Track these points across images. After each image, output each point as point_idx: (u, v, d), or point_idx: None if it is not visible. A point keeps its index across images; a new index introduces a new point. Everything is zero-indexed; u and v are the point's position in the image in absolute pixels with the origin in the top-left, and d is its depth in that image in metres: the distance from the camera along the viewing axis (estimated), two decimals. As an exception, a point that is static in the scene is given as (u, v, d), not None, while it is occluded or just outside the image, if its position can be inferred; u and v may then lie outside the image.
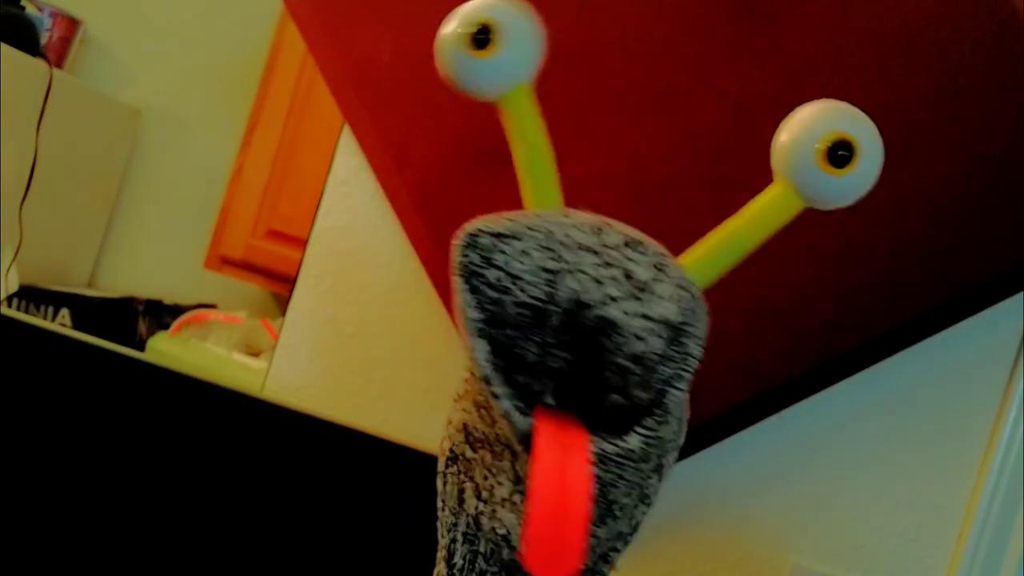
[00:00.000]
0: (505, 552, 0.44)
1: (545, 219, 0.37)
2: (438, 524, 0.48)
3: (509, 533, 0.43)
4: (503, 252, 0.36)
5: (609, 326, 0.36)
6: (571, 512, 0.33)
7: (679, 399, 0.38)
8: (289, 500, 0.82)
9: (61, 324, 1.59)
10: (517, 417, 0.37)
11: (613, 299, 0.36)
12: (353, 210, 0.96)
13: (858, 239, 0.82)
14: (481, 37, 0.39)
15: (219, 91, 1.89)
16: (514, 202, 0.89)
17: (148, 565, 0.82)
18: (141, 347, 1.56)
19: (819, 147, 0.37)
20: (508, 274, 0.36)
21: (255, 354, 1.55)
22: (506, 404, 0.37)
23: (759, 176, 0.83)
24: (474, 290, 0.37)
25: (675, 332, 0.36)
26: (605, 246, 0.37)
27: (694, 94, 0.85)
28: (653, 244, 0.38)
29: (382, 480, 0.82)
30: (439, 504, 0.48)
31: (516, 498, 0.42)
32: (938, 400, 0.86)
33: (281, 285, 1.59)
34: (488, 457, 0.43)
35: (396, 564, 0.81)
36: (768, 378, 0.83)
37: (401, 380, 0.95)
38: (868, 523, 0.87)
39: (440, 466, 0.47)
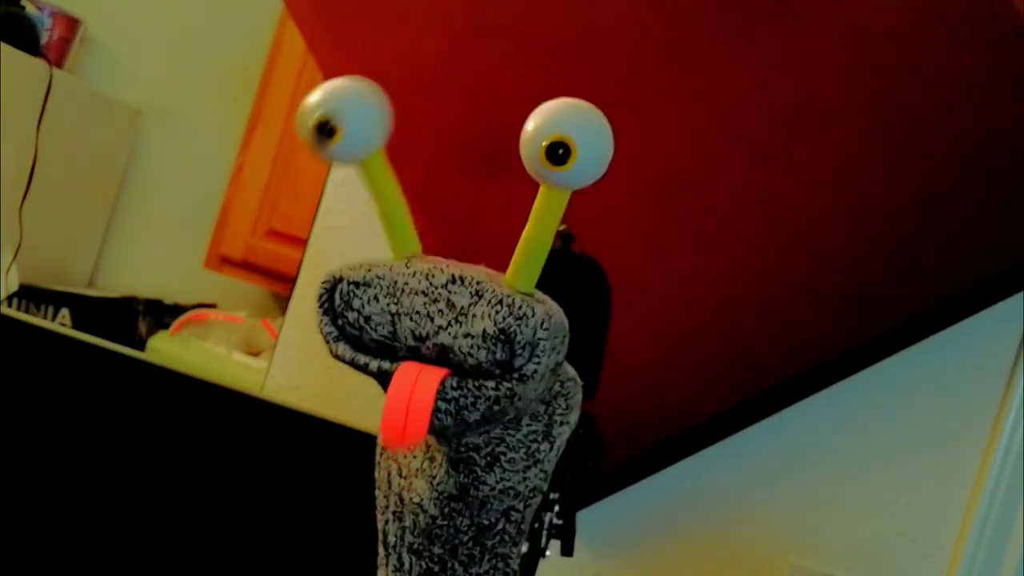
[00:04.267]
0: (422, 519, 0.50)
1: (391, 269, 0.47)
2: (376, 511, 0.54)
3: (422, 500, 0.49)
4: (358, 298, 0.46)
5: (444, 350, 0.44)
6: (418, 403, 0.43)
7: (539, 370, 0.44)
8: (289, 499, 0.82)
9: (61, 324, 1.60)
10: (385, 364, 0.46)
11: (440, 327, 0.44)
12: (353, 210, 0.96)
13: (858, 239, 0.82)
14: (327, 128, 0.46)
15: (219, 91, 1.89)
16: (513, 202, 0.89)
17: (148, 564, 0.82)
18: (141, 347, 1.56)
19: (542, 146, 0.44)
20: (362, 315, 0.46)
21: (255, 354, 1.55)
22: (373, 365, 0.46)
23: (758, 173, 0.84)
24: (337, 327, 0.47)
25: (502, 340, 0.44)
26: (432, 286, 0.45)
27: (692, 92, 0.85)
28: (474, 277, 0.46)
29: (382, 480, 0.82)
30: (376, 492, 0.54)
31: (425, 465, 0.49)
32: (938, 400, 0.86)
33: (281, 285, 1.59)
34: None
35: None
36: (768, 378, 0.83)
37: (401, 380, 0.95)
38: (868, 523, 0.87)
39: (376, 455, 0.54)
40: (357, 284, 0.47)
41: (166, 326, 1.65)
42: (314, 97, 0.47)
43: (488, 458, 0.49)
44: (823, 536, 0.88)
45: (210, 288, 1.77)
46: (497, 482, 0.49)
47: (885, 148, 0.81)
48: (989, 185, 0.80)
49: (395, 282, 0.46)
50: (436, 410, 0.43)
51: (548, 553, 0.60)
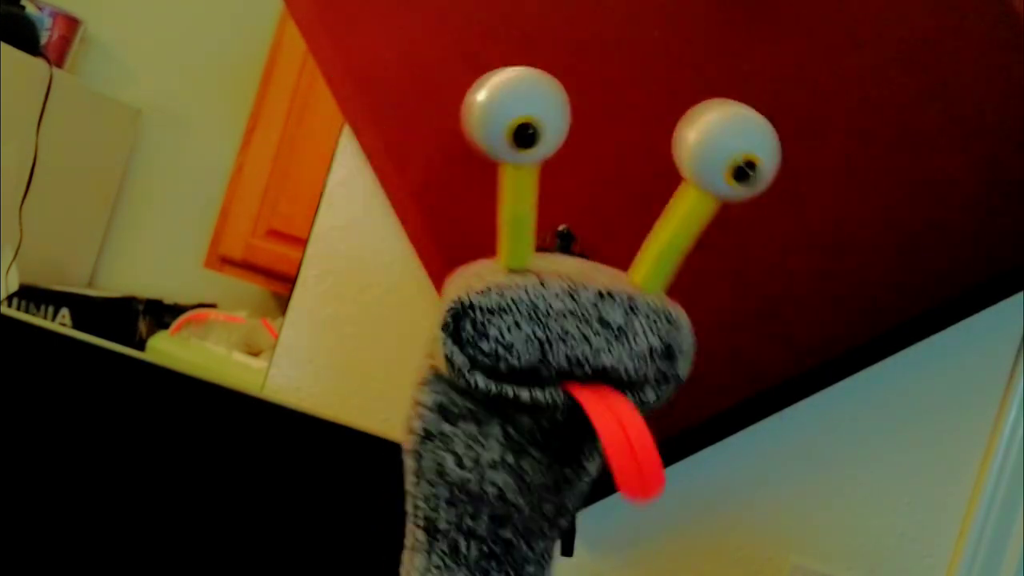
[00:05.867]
0: (499, 508, 0.49)
1: (527, 291, 0.43)
2: (408, 498, 0.52)
3: (504, 492, 0.48)
4: (495, 326, 0.43)
5: (606, 372, 0.42)
6: (641, 443, 0.40)
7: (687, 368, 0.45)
8: (289, 500, 0.82)
9: (61, 324, 1.60)
10: (557, 396, 0.43)
11: (601, 350, 0.42)
12: (353, 210, 0.96)
13: (858, 239, 0.82)
14: (529, 133, 0.41)
15: (219, 91, 1.89)
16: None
17: (148, 565, 0.82)
18: (141, 347, 1.56)
19: (729, 164, 0.42)
20: (502, 345, 0.43)
21: (255, 354, 1.55)
22: (539, 395, 0.43)
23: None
24: (469, 356, 0.43)
25: (663, 354, 0.43)
26: (579, 305, 0.43)
27: (693, 93, 0.85)
28: (622, 289, 0.43)
29: (382, 480, 0.82)
30: (411, 480, 0.52)
31: (509, 458, 0.48)
32: (938, 400, 0.86)
33: (281, 285, 1.59)
34: (473, 428, 0.48)
35: (395, 562, 0.81)
36: (768, 378, 0.83)
37: (401, 380, 0.95)
38: (868, 523, 0.87)
39: (411, 445, 0.52)
40: (492, 311, 0.43)
41: (166, 326, 1.65)
42: (505, 95, 0.41)
43: (590, 448, 0.48)
44: (823, 536, 0.88)
45: (210, 288, 1.77)
46: (595, 469, 0.48)
47: (885, 148, 0.81)
48: (989, 185, 0.80)
49: (536, 305, 0.43)
50: None
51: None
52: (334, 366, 0.96)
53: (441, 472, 0.50)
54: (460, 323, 0.43)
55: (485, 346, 0.43)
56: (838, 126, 0.82)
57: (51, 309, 1.64)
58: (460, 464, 0.49)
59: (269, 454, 0.83)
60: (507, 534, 0.49)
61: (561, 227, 0.54)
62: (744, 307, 0.83)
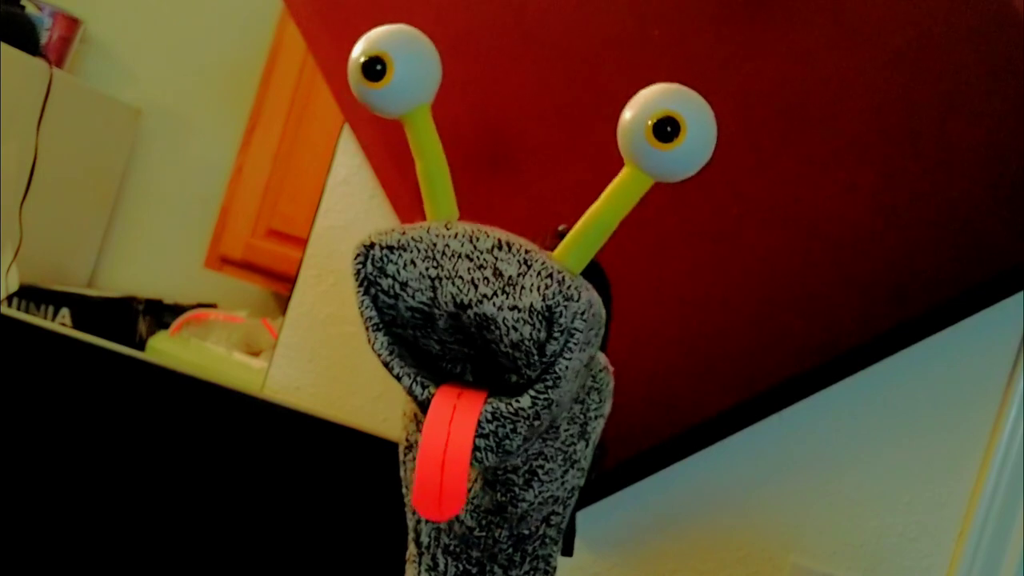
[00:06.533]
0: (457, 527, 0.48)
1: (429, 231, 0.43)
2: (406, 508, 0.52)
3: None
4: (393, 263, 0.42)
5: (487, 320, 0.41)
6: (452, 460, 0.39)
7: (570, 367, 0.42)
8: (289, 500, 0.82)
9: (61, 324, 1.60)
10: (417, 390, 0.43)
11: (486, 296, 0.41)
12: (353, 210, 0.96)
13: (858, 239, 0.82)
14: (377, 69, 0.44)
15: (219, 91, 1.89)
16: (514, 202, 0.89)
17: (148, 565, 0.82)
18: (141, 347, 1.56)
19: (648, 123, 0.42)
20: (398, 282, 0.42)
21: (255, 353, 1.55)
22: (406, 381, 0.43)
23: (757, 174, 0.84)
24: (371, 296, 0.43)
25: (546, 317, 0.41)
26: (477, 250, 0.42)
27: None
28: (522, 244, 0.43)
29: (382, 479, 0.82)
30: (403, 491, 0.52)
31: None
32: (938, 400, 0.86)
33: (281, 284, 1.59)
34: None
35: (395, 562, 0.81)
36: (768, 377, 0.83)
37: (401, 380, 0.95)
38: (868, 523, 0.87)
39: (400, 455, 0.51)
40: (391, 248, 0.42)
41: (166, 326, 1.65)
42: (362, 41, 0.45)
43: (526, 475, 0.46)
44: (823, 536, 0.88)
45: (210, 288, 1.77)
46: (536, 496, 0.47)
47: (885, 148, 0.81)
48: (989, 185, 0.80)
49: (434, 244, 0.42)
50: (476, 449, 0.41)
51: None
52: (334, 366, 0.96)
53: None
54: (364, 266, 0.43)
55: (384, 283, 0.42)
56: (839, 124, 0.82)
57: (51, 309, 1.64)
58: None
59: (269, 454, 0.83)
60: (476, 554, 0.49)
61: (560, 227, 0.54)
62: (743, 306, 0.83)
